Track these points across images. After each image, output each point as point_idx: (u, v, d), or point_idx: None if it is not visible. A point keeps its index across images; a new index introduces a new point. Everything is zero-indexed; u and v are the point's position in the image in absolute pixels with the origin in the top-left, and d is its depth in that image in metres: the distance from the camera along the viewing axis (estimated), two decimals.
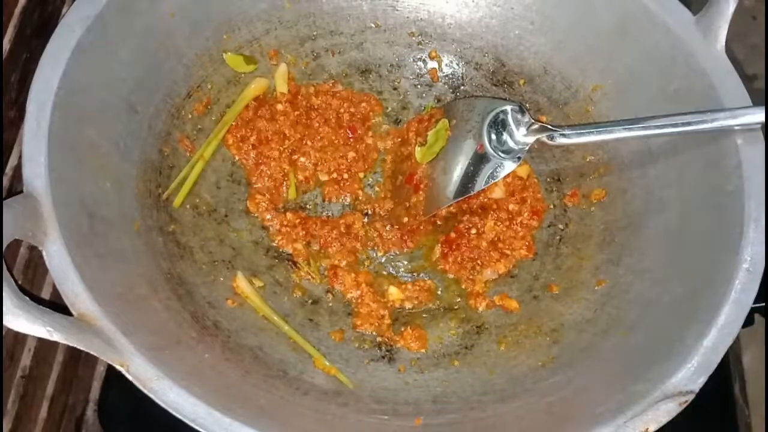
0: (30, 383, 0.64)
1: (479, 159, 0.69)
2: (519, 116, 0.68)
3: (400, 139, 0.75)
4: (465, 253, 0.71)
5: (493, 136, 0.68)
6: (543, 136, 0.66)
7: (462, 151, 0.70)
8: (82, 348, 0.49)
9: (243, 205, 0.72)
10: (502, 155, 0.68)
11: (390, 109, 0.79)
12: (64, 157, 0.56)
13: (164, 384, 0.50)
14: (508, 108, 0.68)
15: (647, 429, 0.52)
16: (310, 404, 0.59)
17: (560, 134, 0.65)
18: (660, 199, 0.67)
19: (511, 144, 0.68)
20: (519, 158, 0.68)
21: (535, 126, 0.67)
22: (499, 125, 0.68)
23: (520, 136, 0.67)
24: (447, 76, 0.80)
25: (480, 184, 0.69)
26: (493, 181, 0.69)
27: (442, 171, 0.71)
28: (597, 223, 0.71)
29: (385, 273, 0.72)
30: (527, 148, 0.68)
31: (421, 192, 0.72)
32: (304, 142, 0.74)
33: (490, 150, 0.68)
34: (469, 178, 0.69)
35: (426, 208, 0.72)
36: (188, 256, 0.66)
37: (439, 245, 0.72)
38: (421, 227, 0.73)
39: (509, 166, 0.68)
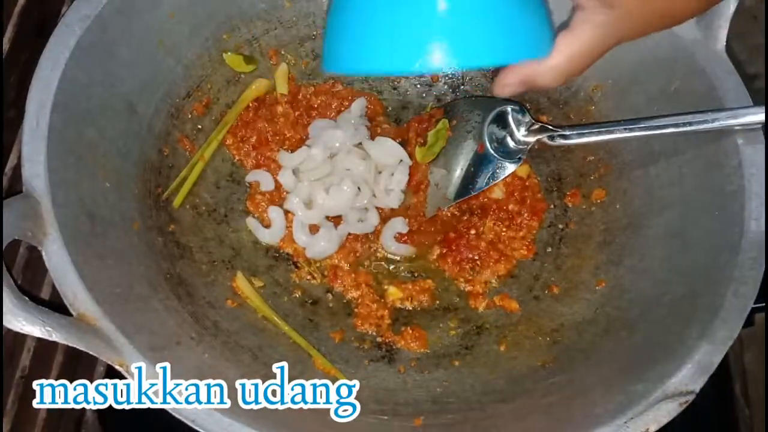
0: (29, 383, 0.64)
1: (480, 159, 0.69)
2: (519, 116, 0.68)
3: (400, 140, 0.75)
4: (464, 253, 0.71)
5: (494, 137, 0.68)
6: (543, 137, 0.66)
7: (462, 151, 0.70)
8: (81, 348, 0.49)
9: (243, 205, 0.72)
10: (503, 156, 0.68)
11: (390, 108, 0.79)
12: (64, 157, 0.56)
13: None
14: (509, 108, 0.68)
15: (648, 429, 0.52)
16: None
17: (560, 135, 0.65)
18: (661, 199, 0.67)
19: (511, 144, 0.68)
20: (520, 159, 0.68)
21: (536, 126, 0.67)
22: (499, 125, 0.68)
23: (521, 136, 0.67)
24: (447, 75, 0.80)
25: (480, 184, 0.69)
26: (493, 182, 0.69)
27: (443, 172, 0.71)
28: (597, 223, 0.71)
29: (385, 273, 0.71)
30: (528, 148, 0.68)
31: (421, 193, 0.72)
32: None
33: (490, 151, 0.68)
34: (469, 178, 0.69)
35: (426, 209, 0.72)
36: (188, 256, 0.66)
37: (438, 245, 0.72)
38: (422, 228, 0.73)
39: (510, 166, 0.68)
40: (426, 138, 0.73)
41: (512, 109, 0.68)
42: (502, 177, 0.68)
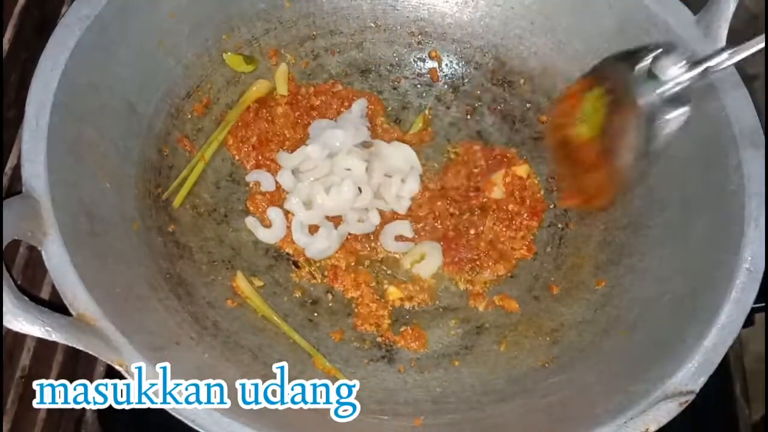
0: (29, 383, 0.64)
1: (647, 116, 0.60)
2: (667, 58, 0.59)
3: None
4: (463, 253, 0.70)
5: (651, 88, 0.59)
6: (701, 70, 0.57)
7: (626, 114, 0.61)
8: (81, 348, 0.49)
9: (243, 205, 0.72)
10: (667, 105, 0.58)
11: (390, 108, 0.79)
12: (63, 157, 0.56)
13: None
14: (651, 56, 0.59)
15: (648, 429, 0.52)
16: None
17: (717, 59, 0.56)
18: (660, 199, 0.67)
19: (672, 87, 0.58)
20: (685, 102, 0.58)
21: (686, 63, 0.57)
22: (651, 74, 0.59)
23: (679, 74, 0.58)
24: (447, 75, 0.80)
25: (659, 141, 0.59)
26: (670, 131, 0.59)
27: (617, 139, 0.62)
28: (597, 222, 0.71)
29: (384, 273, 0.71)
30: (689, 84, 0.58)
31: (602, 169, 0.64)
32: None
33: (652, 102, 0.59)
34: (646, 139, 0.60)
35: (615, 183, 0.65)
36: (188, 256, 0.66)
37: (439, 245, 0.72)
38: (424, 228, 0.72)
39: (679, 112, 0.58)
40: (581, 114, 0.66)
41: (655, 56, 0.59)
42: (676, 126, 0.59)
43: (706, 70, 0.57)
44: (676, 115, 0.58)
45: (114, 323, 0.51)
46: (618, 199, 0.70)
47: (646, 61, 0.60)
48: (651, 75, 0.59)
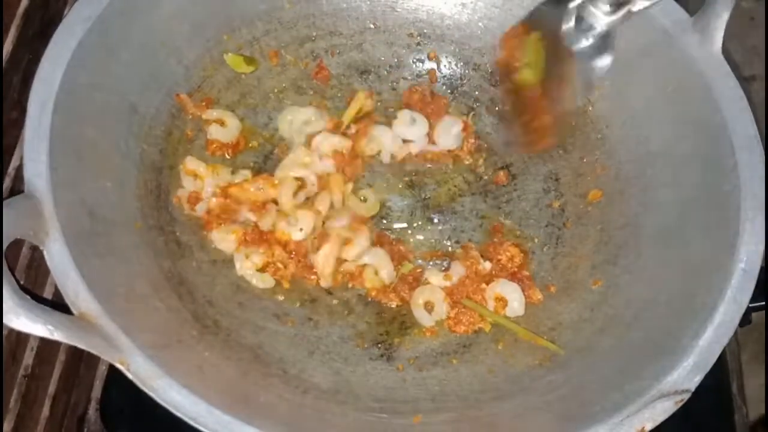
0: (32, 382, 0.64)
1: (579, 59, 0.63)
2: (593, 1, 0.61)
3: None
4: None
5: (580, 32, 0.61)
6: (626, 10, 0.60)
7: (561, 58, 0.64)
8: (82, 347, 0.49)
9: None
10: (597, 48, 0.62)
11: (391, 109, 0.78)
12: (65, 157, 0.56)
13: (164, 382, 0.50)
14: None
15: (643, 427, 0.52)
16: (309, 402, 0.59)
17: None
18: (657, 199, 0.67)
19: (599, 31, 0.61)
20: (611, 45, 0.61)
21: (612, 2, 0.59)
22: (579, 18, 0.61)
23: (604, 18, 0.60)
24: (445, 76, 0.80)
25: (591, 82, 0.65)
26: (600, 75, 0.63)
27: (557, 82, 0.65)
28: (594, 223, 0.71)
29: None
30: (613, 28, 0.60)
31: (546, 111, 0.66)
32: None
33: (583, 47, 0.62)
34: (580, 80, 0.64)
35: (559, 123, 0.67)
36: (189, 255, 0.67)
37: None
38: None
39: (604, 60, 0.62)
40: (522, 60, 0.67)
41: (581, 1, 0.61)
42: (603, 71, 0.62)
43: (628, 12, 0.59)
44: (604, 59, 0.61)
45: (115, 322, 0.51)
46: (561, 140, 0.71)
47: (574, 5, 0.61)
48: (579, 19, 0.61)
